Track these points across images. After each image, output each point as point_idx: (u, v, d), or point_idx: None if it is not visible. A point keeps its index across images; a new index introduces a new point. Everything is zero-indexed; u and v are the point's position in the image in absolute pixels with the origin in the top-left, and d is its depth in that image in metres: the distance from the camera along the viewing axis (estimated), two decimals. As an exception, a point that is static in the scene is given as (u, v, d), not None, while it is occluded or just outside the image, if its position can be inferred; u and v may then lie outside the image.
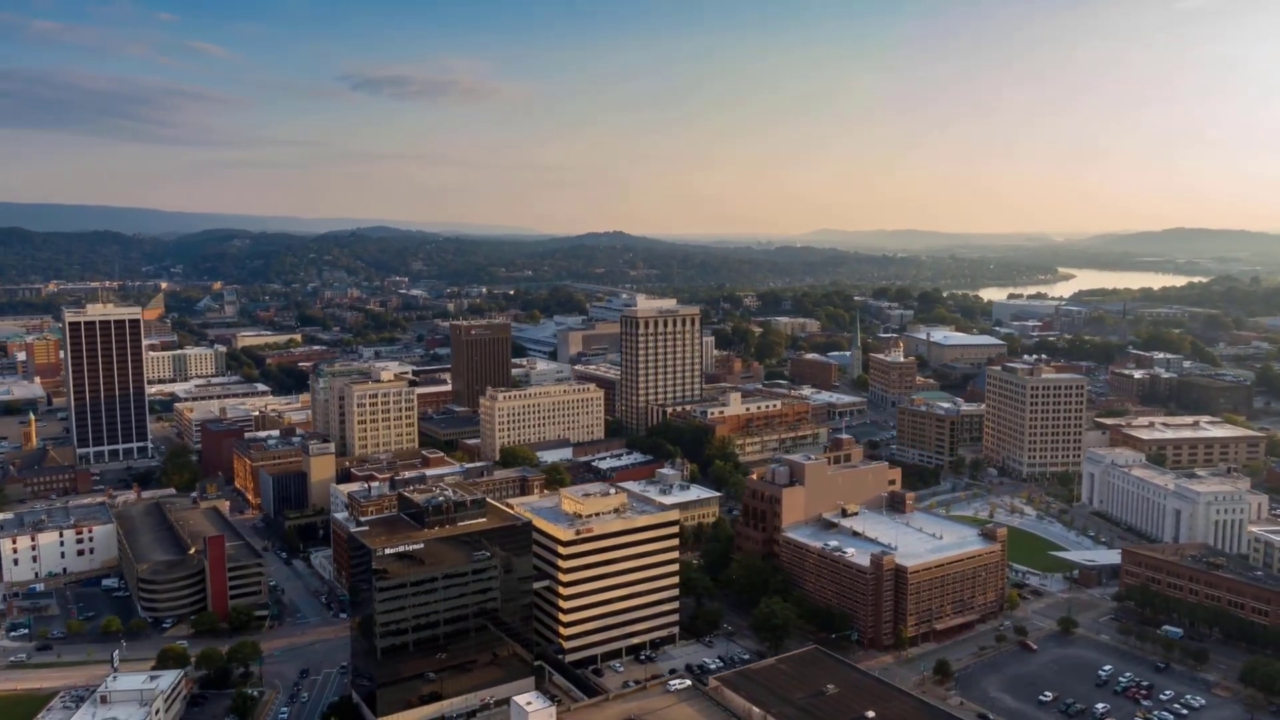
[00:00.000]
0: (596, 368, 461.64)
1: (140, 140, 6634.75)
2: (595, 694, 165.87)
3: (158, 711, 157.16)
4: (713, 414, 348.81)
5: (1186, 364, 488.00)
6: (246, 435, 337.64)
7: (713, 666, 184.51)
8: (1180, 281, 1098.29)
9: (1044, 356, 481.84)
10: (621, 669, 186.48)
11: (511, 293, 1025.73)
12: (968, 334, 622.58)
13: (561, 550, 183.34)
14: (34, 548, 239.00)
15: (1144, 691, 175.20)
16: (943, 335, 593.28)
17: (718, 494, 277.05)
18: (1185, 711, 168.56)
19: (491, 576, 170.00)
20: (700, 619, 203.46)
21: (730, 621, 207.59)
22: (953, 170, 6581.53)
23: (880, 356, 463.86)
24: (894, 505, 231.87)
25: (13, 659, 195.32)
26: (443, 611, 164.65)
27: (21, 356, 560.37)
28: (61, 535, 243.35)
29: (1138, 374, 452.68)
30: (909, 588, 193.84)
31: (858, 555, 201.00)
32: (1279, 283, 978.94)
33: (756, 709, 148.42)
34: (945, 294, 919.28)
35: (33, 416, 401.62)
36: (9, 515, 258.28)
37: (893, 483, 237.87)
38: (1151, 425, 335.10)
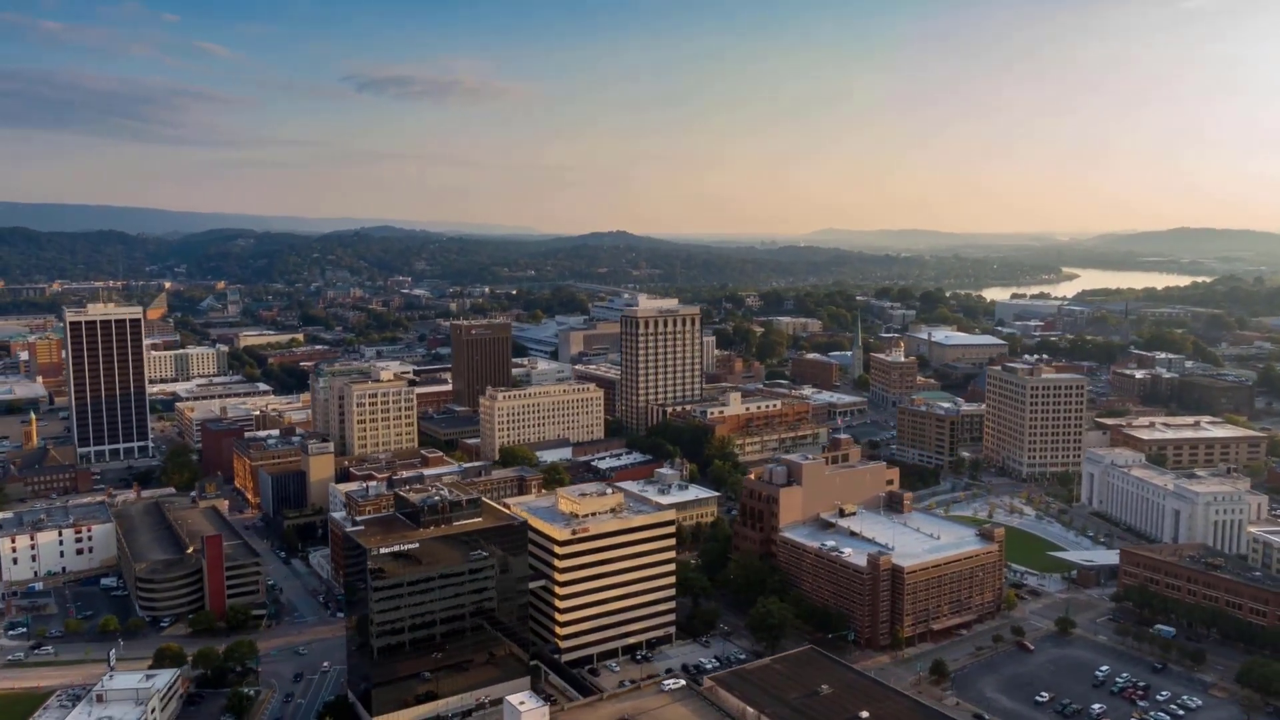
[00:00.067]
0: (597, 368, 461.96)
1: (144, 140, 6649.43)
2: (590, 694, 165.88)
3: (153, 710, 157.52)
4: (712, 414, 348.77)
5: (1188, 364, 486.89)
6: (246, 435, 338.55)
7: (709, 666, 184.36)
8: (1184, 281, 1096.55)
9: (1045, 356, 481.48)
10: (618, 669, 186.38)
11: (514, 292, 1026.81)
12: (969, 334, 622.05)
13: (557, 550, 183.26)
14: (33, 547, 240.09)
15: (1141, 692, 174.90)
16: (944, 335, 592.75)
17: (716, 494, 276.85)
18: (1182, 712, 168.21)
19: (487, 576, 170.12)
20: (697, 619, 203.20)
21: (727, 621, 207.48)
22: (956, 170, 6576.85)
23: (881, 356, 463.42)
24: (892, 505, 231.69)
25: (10, 658, 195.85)
26: (438, 611, 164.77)
27: (24, 356, 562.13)
28: (60, 534, 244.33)
29: (1139, 374, 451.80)
30: (905, 588, 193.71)
31: (854, 555, 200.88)
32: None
33: (750, 709, 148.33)
34: (948, 294, 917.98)
35: (34, 416, 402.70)
36: (9, 514, 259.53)
37: (890, 483, 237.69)
38: (1152, 425, 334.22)
